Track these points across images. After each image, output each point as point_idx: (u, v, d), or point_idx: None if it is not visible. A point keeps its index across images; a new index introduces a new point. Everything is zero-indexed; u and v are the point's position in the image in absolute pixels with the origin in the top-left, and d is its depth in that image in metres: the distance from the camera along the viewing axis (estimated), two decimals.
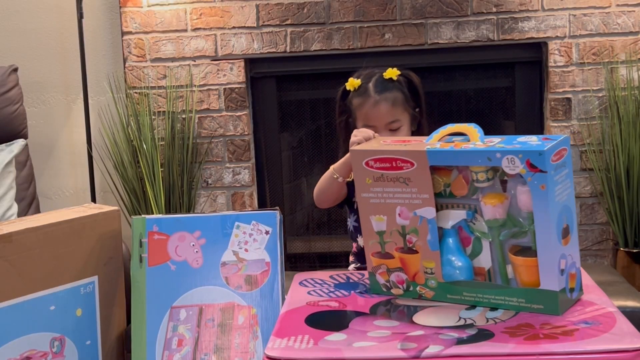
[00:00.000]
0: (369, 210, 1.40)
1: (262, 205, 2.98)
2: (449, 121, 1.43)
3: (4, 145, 2.60)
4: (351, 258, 1.99)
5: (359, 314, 1.35)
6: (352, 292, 1.46)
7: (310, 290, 1.48)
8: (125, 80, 2.90)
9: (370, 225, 1.41)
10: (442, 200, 1.36)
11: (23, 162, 2.66)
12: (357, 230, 1.89)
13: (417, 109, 1.90)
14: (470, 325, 1.25)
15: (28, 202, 2.65)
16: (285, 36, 2.84)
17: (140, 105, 2.84)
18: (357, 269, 1.93)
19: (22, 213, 2.56)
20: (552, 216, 1.23)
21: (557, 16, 2.76)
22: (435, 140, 1.36)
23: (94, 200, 2.93)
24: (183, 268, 1.64)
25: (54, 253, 1.62)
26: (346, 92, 1.91)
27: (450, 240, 1.36)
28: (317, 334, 1.25)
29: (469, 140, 1.33)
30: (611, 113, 2.73)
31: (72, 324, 1.66)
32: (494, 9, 2.78)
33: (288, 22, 2.84)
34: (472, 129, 1.34)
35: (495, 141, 1.29)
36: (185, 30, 2.87)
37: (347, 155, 1.77)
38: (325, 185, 1.83)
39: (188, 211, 2.84)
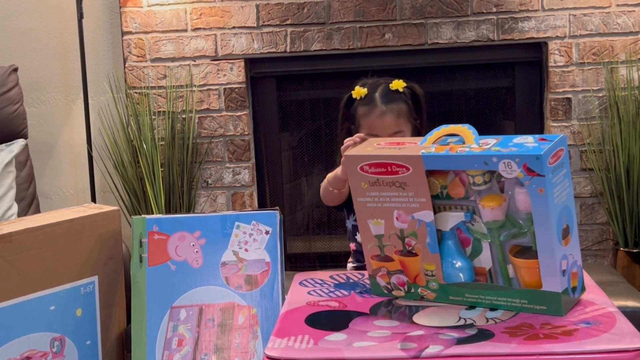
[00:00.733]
0: (367, 214, 1.39)
1: (262, 205, 2.98)
2: (449, 121, 1.41)
3: (4, 145, 2.60)
4: (350, 259, 2.00)
5: (359, 314, 1.34)
6: (352, 292, 1.46)
7: (310, 290, 1.48)
8: (125, 80, 2.90)
9: (368, 228, 1.40)
10: (440, 202, 1.34)
11: (23, 162, 2.66)
12: (357, 228, 1.89)
13: (418, 121, 1.91)
14: (471, 325, 1.25)
15: (28, 202, 2.64)
16: (285, 36, 2.84)
17: (140, 105, 2.84)
18: (356, 268, 1.93)
19: (22, 213, 2.56)
20: (552, 218, 1.22)
21: (557, 16, 2.76)
22: (430, 143, 1.34)
23: (94, 200, 2.93)
24: (183, 268, 1.63)
25: (54, 253, 1.62)
26: (351, 100, 1.91)
27: (450, 242, 1.35)
28: (317, 334, 1.25)
29: (463, 142, 1.31)
30: (611, 113, 2.73)
31: (72, 324, 1.66)
32: (494, 9, 2.78)
33: (288, 22, 2.84)
34: (467, 131, 1.32)
35: (491, 143, 1.27)
36: (185, 30, 2.87)
37: (338, 168, 1.78)
38: (324, 192, 1.86)
39: (188, 211, 2.84)
